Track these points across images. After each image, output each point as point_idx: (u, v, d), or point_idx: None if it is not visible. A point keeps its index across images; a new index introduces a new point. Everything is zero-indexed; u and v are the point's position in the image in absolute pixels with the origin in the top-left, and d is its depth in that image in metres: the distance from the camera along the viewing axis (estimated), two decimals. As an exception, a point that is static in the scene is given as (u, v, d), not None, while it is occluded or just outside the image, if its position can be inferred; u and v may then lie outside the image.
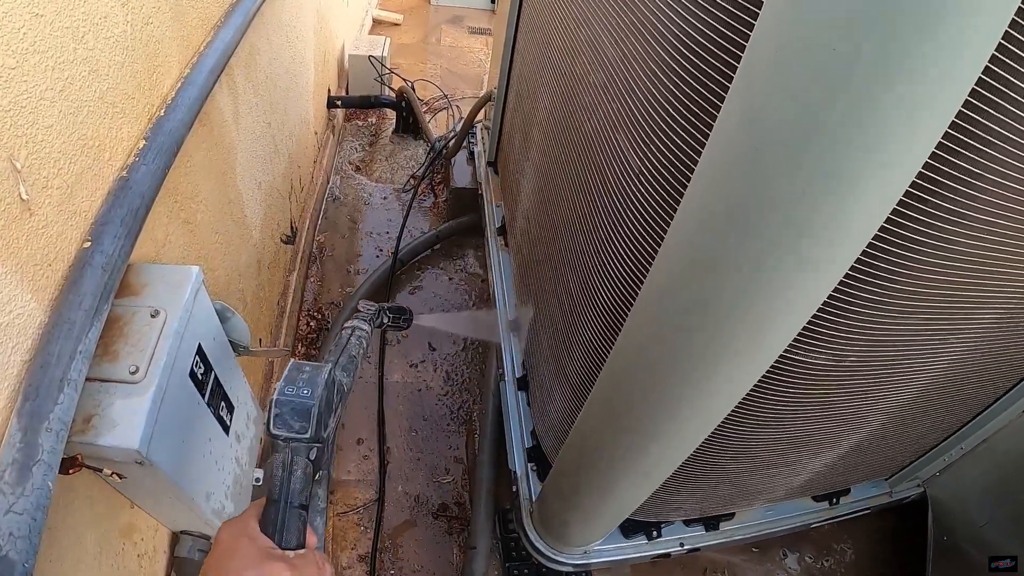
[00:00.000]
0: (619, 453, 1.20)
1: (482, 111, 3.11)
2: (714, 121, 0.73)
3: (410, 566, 2.16)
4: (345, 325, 1.18)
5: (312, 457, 0.83)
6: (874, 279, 0.87)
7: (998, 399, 1.70)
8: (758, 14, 0.63)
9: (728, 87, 0.70)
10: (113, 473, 1.02)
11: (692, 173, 0.80)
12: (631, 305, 1.04)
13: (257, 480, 1.61)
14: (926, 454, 2.00)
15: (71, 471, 0.91)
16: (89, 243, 0.96)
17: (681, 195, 0.83)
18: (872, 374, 1.17)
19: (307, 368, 0.89)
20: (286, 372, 0.88)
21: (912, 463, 2.04)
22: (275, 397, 0.84)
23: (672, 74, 0.93)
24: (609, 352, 1.13)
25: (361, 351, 1.14)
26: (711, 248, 0.77)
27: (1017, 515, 1.77)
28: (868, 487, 2.14)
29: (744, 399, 1.00)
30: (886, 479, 2.15)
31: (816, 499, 2.05)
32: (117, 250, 0.98)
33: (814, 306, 0.78)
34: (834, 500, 2.05)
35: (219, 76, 1.47)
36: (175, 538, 1.41)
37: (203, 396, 1.19)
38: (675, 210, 0.85)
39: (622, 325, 1.07)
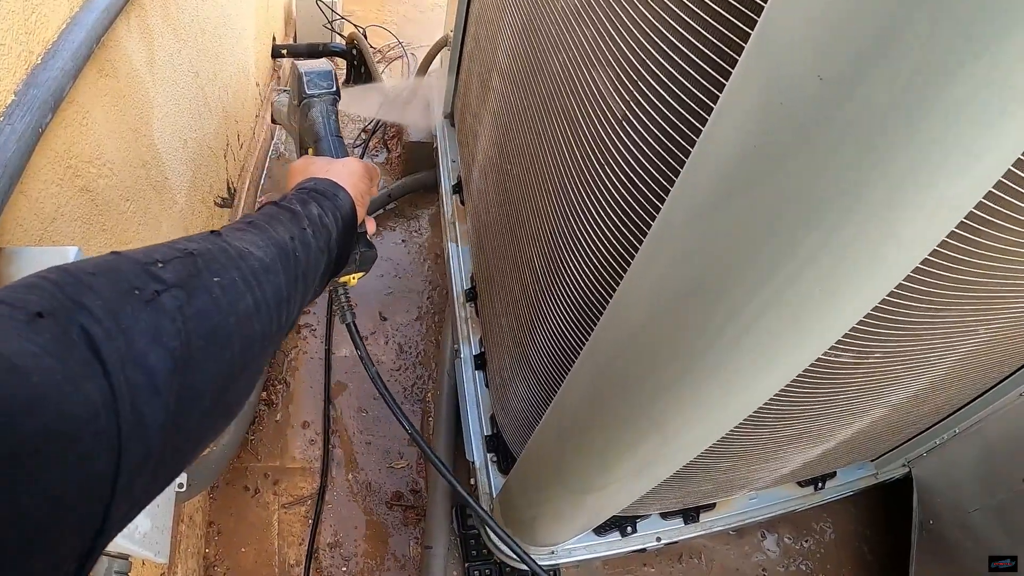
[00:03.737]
0: (598, 457, 1.02)
1: (437, 58, 2.90)
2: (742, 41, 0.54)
3: (363, 560, 2.00)
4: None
5: (336, 107, 1.15)
6: (915, 285, 0.71)
7: (997, 383, 1.61)
8: None
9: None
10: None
11: (705, 117, 0.61)
12: (611, 287, 0.91)
13: (181, 486, 1.45)
14: (916, 436, 1.92)
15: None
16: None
17: (685, 150, 0.66)
18: (893, 369, 1.03)
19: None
20: (300, 63, 1.16)
21: (900, 445, 1.97)
22: (303, 71, 1.14)
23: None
24: (586, 335, 1.00)
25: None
26: (741, 215, 0.56)
27: (1007, 503, 1.71)
28: (854, 469, 2.08)
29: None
30: (872, 460, 2.08)
31: (802, 484, 1.96)
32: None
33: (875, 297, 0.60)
34: (819, 484, 1.98)
35: (118, 16, 1.25)
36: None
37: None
38: (675, 170, 0.72)
39: (601, 307, 0.93)
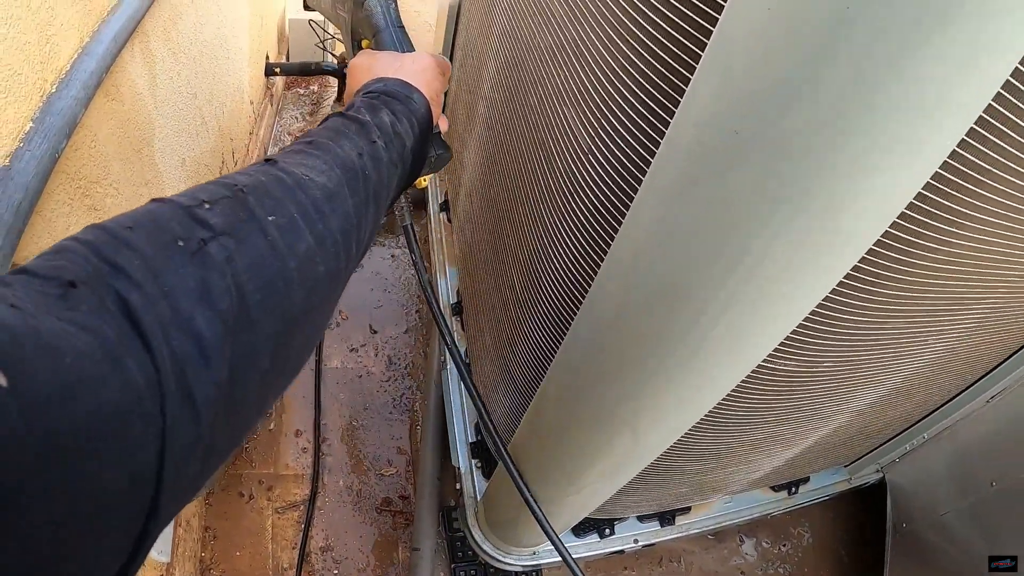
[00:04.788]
0: (571, 459, 1.10)
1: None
2: (685, 86, 0.61)
3: (354, 564, 2.06)
4: None
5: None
6: (869, 283, 0.77)
7: (964, 389, 1.67)
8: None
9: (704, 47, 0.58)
10: None
11: (654, 151, 0.68)
12: (577, 307, 0.95)
13: None
14: (888, 442, 1.97)
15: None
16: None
17: (638, 179, 0.72)
18: (846, 378, 1.10)
19: None
20: None
21: (873, 451, 2.02)
22: None
23: (628, 33, 0.79)
24: (556, 350, 1.04)
25: None
26: (680, 244, 0.66)
27: (978, 506, 1.74)
28: (827, 474, 2.13)
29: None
30: (846, 466, 2.13)
31: (775, 489, 2.01)
32: (-5, 251, 0.86)
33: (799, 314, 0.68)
34: (793, 489, 2.03)
35: (125, 44, 1.32)
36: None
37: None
38: (631, 197, 0.76)
39: (569, 325, 0.98)
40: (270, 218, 0.47)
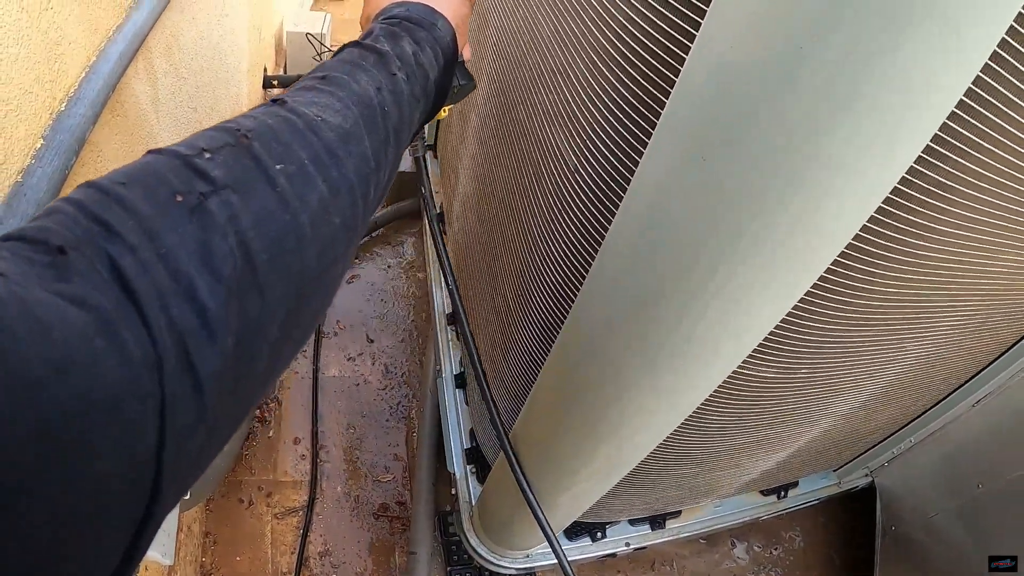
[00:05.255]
0: (560, 462, 1.14)
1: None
2: (661, 110, 0.65)
3: (352, 568, 2.10)
4: None
5: None
6: (836, 292, 0.81)
7: (949, 394, 1.71)
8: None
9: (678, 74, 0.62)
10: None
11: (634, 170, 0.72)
12: (565, 315, 0.99)
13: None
14: (875, 446, 2.00)
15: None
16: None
17: (621, 198, 0.76)
18: (825, 384, 1.13)
19: None
20: None
21: (861, 455, 2.05)
22: None
23: (611, 59, 0.83)
24: (546, 357, 1.07)
25: None
26: (655, 260, 0.70)
27: (966, 507, 1.77)
28: (816, 479, 2.15)
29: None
30: (835, 470, 2.16)
31: (764, 493, 2.04)
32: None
33: (768, 325, 0.72)
34: (782, 493, 2.05)
35: (130, 63, 1.35)
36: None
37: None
38: (614, 214, 0.79)
39: (557, 333, 1.01)
40: (278, 167, 0.42)
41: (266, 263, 0.39)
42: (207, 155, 0.40)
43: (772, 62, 0.49)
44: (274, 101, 0.49)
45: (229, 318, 0.36)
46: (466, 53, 0.83)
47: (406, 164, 3.08)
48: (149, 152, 0.41)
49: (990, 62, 0.52)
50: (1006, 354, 1.52)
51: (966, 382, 1.65)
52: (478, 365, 1.26)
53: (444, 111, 0.83)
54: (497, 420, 1.27)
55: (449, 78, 0.73)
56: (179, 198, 0.36)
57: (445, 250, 1.12)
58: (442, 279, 2.24)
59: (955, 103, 0.48)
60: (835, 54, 0.45)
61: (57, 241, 0.32)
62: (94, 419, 0.28)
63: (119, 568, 0.32)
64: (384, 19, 0.67)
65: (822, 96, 0.48)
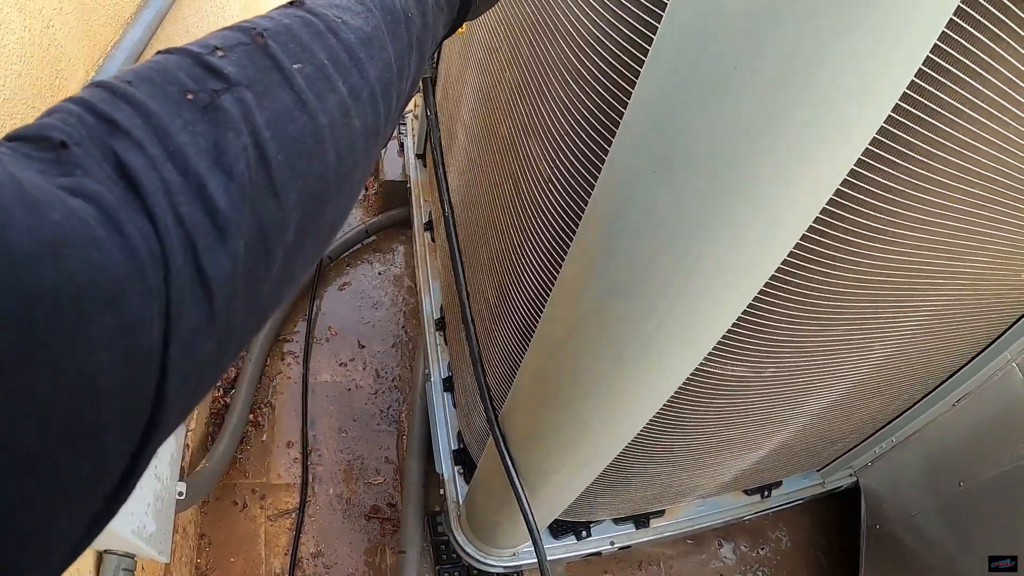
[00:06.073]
0: (538, 459, 1.18)
1: (412, 99, 2.99)
2: None
3: (344, 569, 2.13)
4: None
5: None
6: (792, 292, 0.86)
7: (928, 393, 1.75)
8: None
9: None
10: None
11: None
12: (539, 315, 1.03)
13: (180, 494, 1.57)
14: (857, 446, 2.04)
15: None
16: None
17: None
18: (793, 383, 1.18)
19: None
20: None
21: (843, 455, 2.08)
22: None
23: (581, 79, 0.89)
24: (523, 358, 1.11)
25: None
26: (616, 266, 0.75)
27: (947, 505, 1.82)
28: (800, 479, 2.19)
29: (664, 406, 0.99)
30: (818, 470, 2.19)
31: (748, 492, 2.07)
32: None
33: (726, 322, 0.77)
34: (766, 493, 2.09)
35: (128, 74, 1.40)
36: (100, 558, 1.36)
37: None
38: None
39: (532, 334, 1.05)
40: (296, 66, 0.40)
41: (282, 163, 0.37)
42: (220, 53, 0.38)
43: (707, 83, 0.54)
44: (292, 3, 0.46)
45: (241, 219, 0.34)
46: None
47: (395, 173, 3.12)
48: (159, 52, 0.38)
49: (927, 69, 0.58)
50: (983, 353, 1.57)
51: (945, 381, 1.70)
52: (468, 315, 1.27)
53: (463, 27, 0.76)
54: (482, 377, 1.29)
55: None
56: (190, 96, 0.35)
57: (444, 175, 1.12)
58: (430, 286, 2.29)
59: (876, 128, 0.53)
60: (764, 77, 0.50)
61: (59, 136, 0.30)
62: (89, 308, 0.26)
63: (119, 484, 0.31)
64: None
65: (749, 119, 0.53)
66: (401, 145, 3.25)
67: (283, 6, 0.45)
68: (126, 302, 0.28)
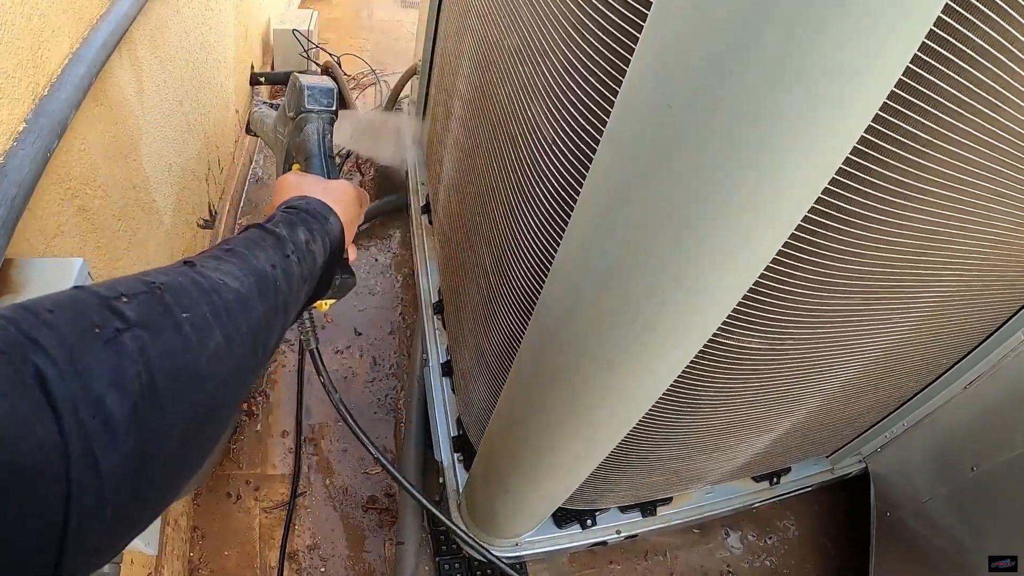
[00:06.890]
0: (542, 441, 1.14)
1: (408, 85, 2.98)
2: None
3: (341, 561, 2.08)
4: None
5: (332, 128, 1.08)
6: (810, 262, 0.81)
7: (940, 376, 1.71)
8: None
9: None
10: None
11: None
12: (542, 285, 0.99)
13: None
14: (868, 431, 2.00)
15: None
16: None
17: None
18: (810, 357, 1.14)
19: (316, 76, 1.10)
20: (302, 76, 1.09)
21: (853, 440, 2.04)
22: (305, 84, 1.06)
23: (587, 36, 0.84)
24: (525, 331, 1.08)
25: None
26: (619, 225, 0.71)
27: (959, 491, 1.78)
28: (809, 465, 2.14)
29: (676, 384, 0.96)
30: (827, 456, 2.15)
31: (756, 479, 2.03)
32: (-11, 244, 0.89)
33: (739, 291, 0.73)
34: (774, 479, 2.05)
35: (113, 51, 1.36)
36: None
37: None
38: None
39: (535, 304, 1.02)
40: (184, 315, 0.50)
41: (167, 388, 0.45)
42: (124, 299, 0.47)
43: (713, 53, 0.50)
44: (185, 263, 0.57)
45: (131, 427, 0.41)
46: (351, 254, 0.98)
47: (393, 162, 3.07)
48: (74, 287, 0.47)
49: (923, 55, 0.54)
50: (995, 334, 1.53)
51: (956, 363, 1.65)
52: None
53: (325, 304, 1.03)
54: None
55: (334, 267, 0.84)
56: (97, 330, 0.42)
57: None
58: (428, 269, 2.25)
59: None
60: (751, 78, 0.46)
61: None
62: (19, 489, 0.33)
63: None
64: (286, 208, 0.80)
65: (771, 61, 0.49)
66: (397, 135, 3.17)
67: (178, 264, 0.57)
68: (39, 487, 0.35)
